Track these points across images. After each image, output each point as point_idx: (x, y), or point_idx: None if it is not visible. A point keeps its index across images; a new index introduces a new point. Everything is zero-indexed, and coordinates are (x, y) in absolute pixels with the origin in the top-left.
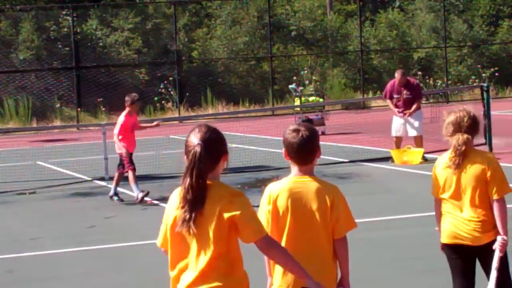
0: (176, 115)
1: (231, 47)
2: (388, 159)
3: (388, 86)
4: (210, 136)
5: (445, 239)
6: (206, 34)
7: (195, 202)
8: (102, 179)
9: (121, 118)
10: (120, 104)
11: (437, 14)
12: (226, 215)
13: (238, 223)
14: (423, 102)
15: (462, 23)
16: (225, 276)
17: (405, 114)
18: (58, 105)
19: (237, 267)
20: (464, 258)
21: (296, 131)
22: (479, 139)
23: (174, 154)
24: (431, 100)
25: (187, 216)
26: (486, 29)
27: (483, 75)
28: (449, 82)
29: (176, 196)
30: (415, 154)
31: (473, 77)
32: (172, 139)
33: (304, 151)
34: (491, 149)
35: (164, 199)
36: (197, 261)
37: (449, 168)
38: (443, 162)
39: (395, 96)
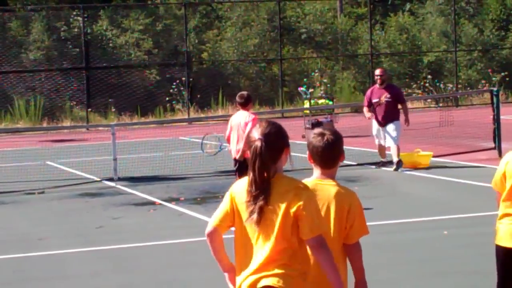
0: (186, 116)
1: (241, 49)
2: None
3: (368, 92)
4: (270, 130)
5: (508, 241)
6: (217, 35)
7: (259, 196)
8: (111, 179)
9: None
10: (130, 104)
11: (447, 18)
12: (292, 210)
13: (299, 216)
14: (433, 106)
15: (473, 27)
16: (284, 266)
17: (382, 124)
18: (68, 105)
19: (297, 259)
20: None
21: (321, 135)
22: (488, 144)
23: (183, 155)
24: (441, 104)
25: (253, 210)
26: (496, 33)
27: (493, 79)
28: (459, 86)
29: (243, 187)
30: (424, 158)
31: (483, 81)
32: (181, 140)
33: (328, 155)
34: (500, 153)
35: (172, 200)
36: (260, 253)
37: None
38: None
39: (374, 100)
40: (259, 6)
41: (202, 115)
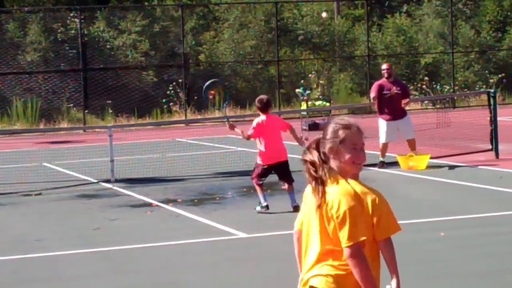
0: (183, 118)
1: (238, 50)
2: (394, 164)
3: (377, 83)
4: (328, 130)
5: None
6: (213, 37)
7: (315, 190)
8: (108, 181)
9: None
10: (127, 106)
11: (444, 20)
12: (330, 213)
13: (336, 223)
14: (430, 107)
15: (470, 29)
16: (328, 266)
17: (393, 118)
18: (65, 107)
19: (341, 260)
20: None
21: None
22: (485, 145)
23: (180, 157)
24: (438, 106)
25: (314, 204)
26: (493, 35)
27: (490, 81)
28: (456, 87)
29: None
30: (421, 160)
31: (480, 83)
32: (177, 142)
33: None
34: (497, 155)
35: (169, 202)
36: (311, 251)
37: None
38: None
39: (385, 93)
40: (256, 7)
41: (199, 117)
